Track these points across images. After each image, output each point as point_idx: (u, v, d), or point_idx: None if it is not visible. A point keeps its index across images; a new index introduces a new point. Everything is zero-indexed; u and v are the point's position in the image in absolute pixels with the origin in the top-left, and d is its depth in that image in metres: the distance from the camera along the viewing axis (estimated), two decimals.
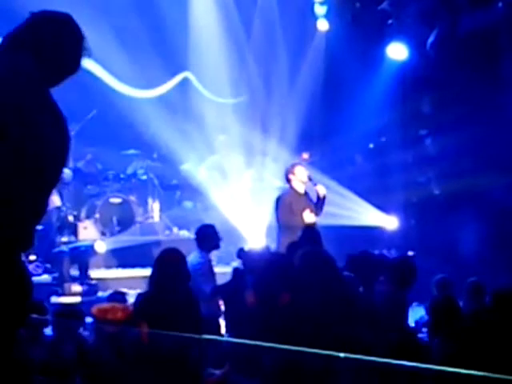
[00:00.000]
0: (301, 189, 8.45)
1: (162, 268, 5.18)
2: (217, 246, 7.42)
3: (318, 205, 8.48)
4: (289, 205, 8.26)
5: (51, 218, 10.00)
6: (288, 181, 8.50)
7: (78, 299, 8.69)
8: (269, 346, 3.89)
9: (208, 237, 7.26)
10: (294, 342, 3.61)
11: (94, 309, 5.30)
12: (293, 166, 8.65)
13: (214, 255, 7.86)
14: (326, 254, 4.84)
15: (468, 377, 2.95)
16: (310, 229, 7.43)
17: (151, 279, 5.20)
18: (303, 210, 8.20)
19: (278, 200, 8.44)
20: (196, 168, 11.89)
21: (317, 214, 8.39)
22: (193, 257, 7.12)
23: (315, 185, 8.48)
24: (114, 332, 5.00)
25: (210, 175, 11.76)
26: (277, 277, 4.88)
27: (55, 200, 10.02)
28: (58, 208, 10.24)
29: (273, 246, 8.19)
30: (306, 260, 4.75)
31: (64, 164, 2.45)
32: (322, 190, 8.47)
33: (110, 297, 6.93)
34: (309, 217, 8.21)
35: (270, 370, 4.05)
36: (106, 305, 5.58)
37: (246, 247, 7.45)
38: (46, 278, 9.46)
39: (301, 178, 8.43)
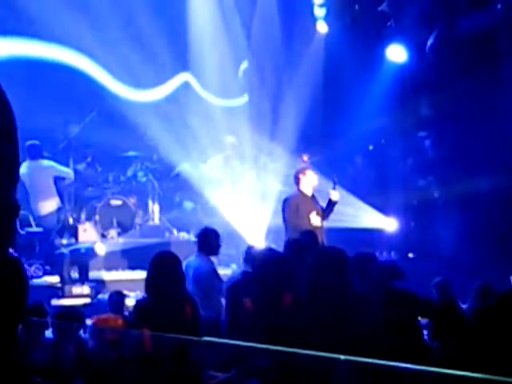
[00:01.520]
0: (308, 191, 8.45)
1: (156, 272, 5.17)
2: (215, 252, 7.38)
3: (328, 209, 8.50)
4: (295, 207, 8.27)
5: (52, 220, 10.01)
6: (297, 181, 8.50)
7: (80, 301, 8.69)
8: (269, 348, 3.89)
9: (209, 240, 7.23)
10: (296, 344, 3.60)
11: (94, 319, 5.30)
12: (305, 168, 8.68)
13: (214, 257, 7.84)
14: (345, 255, 4.79)
15: (470, 379, 2.96)
16: (309, 232, 7.41)
17: (147, 284, 5.20)
18: (310, 212, 8.22)
19: (285, 202, 8.45)
20: (195, 168, 11.87)
21: (323, 218, 8.40)
22: (195, 260, 7.05)
23: (334, 188, 8.49)
24: (114, 335, 5.00)
25: (216, 173, 11.77)
26: (280, 276, 4.87)
27: (55, 202, 10.02)
28: (59, 210, 10.23)
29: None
30: (322, 260, 4.71)
31: (11, 134, 2.12)
32: (335, 196, 8.48)
33: (110, 297, 6.94)
34: (315, 219, 8.23)
35: (270, 372, 4.05)
36: (105, 315, 5.58)
37: (252, 248, 7.36)
38: (46, 280, 9.46)
39: (310, 181, 8.44)
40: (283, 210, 8.39)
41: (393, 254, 11.54)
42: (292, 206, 8.29)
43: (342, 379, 3.58)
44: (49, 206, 9.84)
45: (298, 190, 8.50)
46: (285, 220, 8.36)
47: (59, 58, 11.75)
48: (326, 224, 8.59)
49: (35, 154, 9.78)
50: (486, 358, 3.69)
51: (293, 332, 4.18)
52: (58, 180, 10.12)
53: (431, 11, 11.24)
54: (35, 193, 9.56)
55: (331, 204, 8.50)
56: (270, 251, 6.13)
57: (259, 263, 5.48)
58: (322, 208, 8.47)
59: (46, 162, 9.93)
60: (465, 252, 10.24)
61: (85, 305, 8.49)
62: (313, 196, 8.50)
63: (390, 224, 11.53)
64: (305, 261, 4.96)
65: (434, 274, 7.21)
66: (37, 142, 9.91)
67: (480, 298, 6.18)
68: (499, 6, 10.46)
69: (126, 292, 7.45)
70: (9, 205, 2.05)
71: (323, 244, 7.94)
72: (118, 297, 6.91)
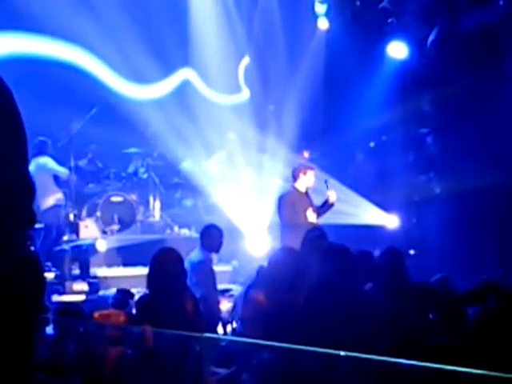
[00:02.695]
0: (302, 189, 8.46)
1: (158, 268, 5.17)
2: (216, 250, 7.43)
3: (323, 208, 8.50)
4: (291, 204, 8.26)
5: (51, 216, 10.01)
6: (295, 177, 8.49)
7: (81, 297, 8.70)
8: (270, 344, 3.89)
9: (212, 237, 7.27)
10: (306, 341, 3.59)
11: (96, 314, 5.30)
12: (307, 167, 8.61)
13: (215, 254, 7.86)
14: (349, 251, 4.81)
15: (470, 375, 2.95)
16: (316, 228, 7.38)
17: (148, 280, 5.20)
18: (306, 208, 8.22)
19: (281, 199, 8.44)
20: (197, 165, 11.87)
21: (318, 215, 8.40)
22: (194, 254, 7.16)
23: (328, 188, 8.49)
24: (116, 331, 5.00)
25: (219, 170, 11.76)
26: (292, 275, 4.87)
27: (55, 197, 10.02)
28: (58, 206, 10.23)
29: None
30: (329, 254, 4.72)
31: (12, 113, 2.01)
32: (333, 197, 8.47)
33: (116, 294, 6.94)
34: (312, 216, 8.23)
35: (272, 368, 4.05)
36: (107, 311, 5.58)
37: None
38: (46, 276, 9.45)
39: (307, 183, 8.43)
40: (279, 208, 8.39)
41: None
42: (288, 203, 8.30)
43: (343, 375, 3.57)
44: (48, 201, 9.87)
45: (293, 186, 8.51)
46: (281, 217, 8.37)
47: (60, 54, 11.74)
48: (327, 221, 8.59)
49: (36, 150, 9.86)
50: (488, 355, 3.69)
51: (303, 329, 4.19)
52: (57, 177, 10.15)
53: (432, 7, 11.22)
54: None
55: (327, 205, 8.50)
56: (283, 250, 6.09)
57: (272, 262, 5.48)
58: (318, 207, 8.47)
59: (42, 159, 9.96)
60: (466, 249, 10.23)
61: (85, 301, 8.49)
62: (306, 193, 8.50)
63: (391, 221, 11.52)
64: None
65: (435, 271, 7.20)
66: (43, 139, 10.02)
67: (480, 295, 6.18)
68: (501, 3, 10.43)
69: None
70: (21, 180, 1.94)
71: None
72: (125, 295, 6.89)
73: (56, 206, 10.06)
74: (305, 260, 5.23)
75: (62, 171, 10.29)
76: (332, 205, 8.52)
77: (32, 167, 9.65)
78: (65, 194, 10.56)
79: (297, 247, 6.30)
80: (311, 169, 8.58)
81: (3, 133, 1.92)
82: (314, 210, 8.32)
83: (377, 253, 8.74)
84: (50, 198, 9.91)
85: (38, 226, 9.92)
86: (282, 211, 8.33)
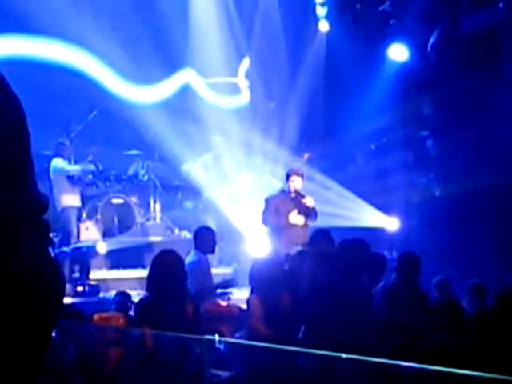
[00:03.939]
0: (289, 191, 8.50)
1: (158, 270, 5.17)
2: (211, 251, 7.44)
3: (310, 215, 8.48)
4: (275, 206, 8.34)
5: (65, 218, 10.04)
6: (286, 180, 8.56)
7: (82, 299, 8.69)
8: (268, 346, 3.89)
9: (205, 239, 7.29)
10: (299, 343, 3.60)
11: (96, 317, 5.29)
12: (294, 172, 8.62)
13: (215, 256, 7.87)
14: (338, 255, 4.83)
15: (470, 378, 2.96)
16: (322, 230, 7.38)
17: (148, 282, 5.20)
18: (290, 211, 8.27)
19: (266, 202, 8.52)
20: (191, 166, 11.86)
21: (306, 219, 8.39)
22: (190, 258, 7.17)
23: (303, 197, 8.46)
24: (116, 333, 5.00)
25: (204, 173, 11.74)
26: (277, 277, 4.88)
27: (71, 199, 10.08)
28: (71, 207, 10.24)
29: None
30: (317, 260, 4.74)
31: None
32: (310, 203, 8.45)
33: (115, 297, 6.94)
34: (295, 218, 8.24)
35: (272, 371, 4.05)
36: (107, 314, 5.58)
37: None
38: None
39: (291, 187, 8.45)
40: (263, 212, 8.44)
41: (394, 253, 11.52)
42: (272, 206, 8.39)
43: (343, 377, 3.57)
44: (60, 202, 9.96)
45: (282, 188, 8.56)
46: (264, 220, 8.41)
47: (60, 56, 11.74)
48: (327, 223, 8.59)
49: (53, 152, 10.07)
50: (488, 357, 3.69)
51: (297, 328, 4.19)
52: (70, 178, 10.17)
53: (433, 10, 11.23)
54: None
55: (308, 210, 8.47)
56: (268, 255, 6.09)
57: (259, 265, 5.50)
58: (304, 208, 8.43)
59: (53, 161, 10.13)
60: (466, 251, 10.24)
61: (85, 303, 8.48)
62: (296, 196, 8.48)
63: (391, 223, 11.52)
64: (365, 259, 5.02)
65: (435, 273, 7.21)
66: (61, 140, 10.16)
67: (474, 297, 6.20)
68: (501, 5, 10.45)
69: (128, 291, 7.45)
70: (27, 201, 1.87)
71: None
72: (125, 297, 6.90)
73: (68, 208, 10.10)
74: (302, 262, 5.23)
75: (66, 169, 10.30)
76: (313, 209, 8.49)
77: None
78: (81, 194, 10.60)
79: (281, 249, 6.33)
80: (297, 174, 8.57)
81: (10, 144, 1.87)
82: (300, 213, 8.33)
83: (386, 254, 8.82)
84: (61, 200, 9.98)
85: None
86: (266, 214, 8.42)
